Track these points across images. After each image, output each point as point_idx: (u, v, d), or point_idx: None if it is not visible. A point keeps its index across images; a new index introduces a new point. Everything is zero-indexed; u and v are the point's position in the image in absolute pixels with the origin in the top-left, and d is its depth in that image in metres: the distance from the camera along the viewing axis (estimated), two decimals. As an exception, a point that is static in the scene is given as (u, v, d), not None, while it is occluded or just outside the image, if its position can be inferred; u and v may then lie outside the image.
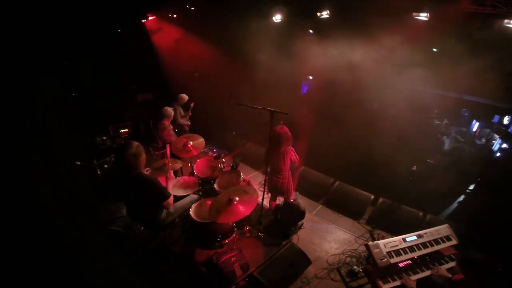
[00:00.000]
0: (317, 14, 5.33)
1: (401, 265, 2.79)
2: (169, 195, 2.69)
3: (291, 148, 3.67)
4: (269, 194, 4.74)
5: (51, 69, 3.99)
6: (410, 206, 4.22)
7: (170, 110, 4.61)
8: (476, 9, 3.68)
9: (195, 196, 3.43)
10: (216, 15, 6.76)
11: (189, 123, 5.61)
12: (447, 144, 5.88)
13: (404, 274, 2.70)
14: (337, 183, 4.84)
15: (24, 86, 2.71)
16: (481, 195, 4.19)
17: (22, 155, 1.55)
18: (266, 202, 3.98)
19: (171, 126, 4.68)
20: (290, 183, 3.86)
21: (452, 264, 2.84)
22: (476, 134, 6.38)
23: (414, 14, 4.33)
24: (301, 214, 3.74)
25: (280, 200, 4.05)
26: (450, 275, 2.50)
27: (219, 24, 6.79)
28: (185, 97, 5.49)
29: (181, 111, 5.54)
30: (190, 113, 5.64)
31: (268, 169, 3.75)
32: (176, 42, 7.67)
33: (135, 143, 2.55)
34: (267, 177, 3.71)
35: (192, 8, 6.83)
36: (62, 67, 5.73)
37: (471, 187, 4.64)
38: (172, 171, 3.23)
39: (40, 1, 3.57)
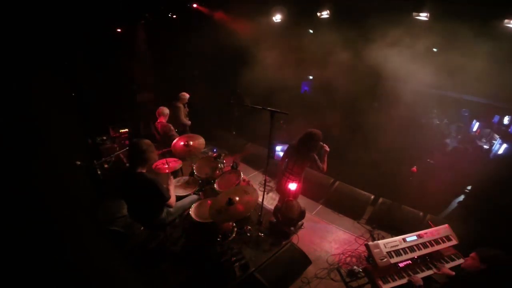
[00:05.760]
0: (317, 14, 5.34)
1: (401, 265, 2.79)
2: (169, 196, 2.72)
3: (314, 156, 3.39)
4: (269, 194, 4.74)
5: (51, 69, 3.99)
6: (410, 206, 4.22)
7: (166, 109, 4.82)
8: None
9: (195, 196, 3.43)
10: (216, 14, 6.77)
11: (190, 122, 5.64)
12: (450, 145, 5.87)
13: (411, 273, 2.71)
14: (337, 183, 4.84)
15: (24, 86, 2.71)
16: (481, 195, 4.18)
17: (22, 155, 1.55)
18: (266, 202, 3.97)
19: (170, 124, 4.76)
20: (297, 191, 3.83)
21: (452, 264, 2.84)
22: (477, 134, 6.39)
23: (414, 14, 4.34)
24: (301, 214, 3.74)
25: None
26: (453, 273, 2.52)
27: (219, 23, 6.80)
28: (187, 95, 5.54)
29: (185, 110, 5.58)
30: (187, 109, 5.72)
31: (282, 166, 3.70)
32: (176, 41, 7.67)
33: (146, 141, 2.60)
34: (278, 176, 3.68)
35: (195, 6, 6.82)
36: (62, 67, 5.72)
37: (470, 187, 4.64)
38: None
39: (42, 1, 3.57)
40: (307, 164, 3.50)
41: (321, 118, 6.12)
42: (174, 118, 5.40)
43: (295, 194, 3.80)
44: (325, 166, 3.40)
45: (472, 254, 2.22)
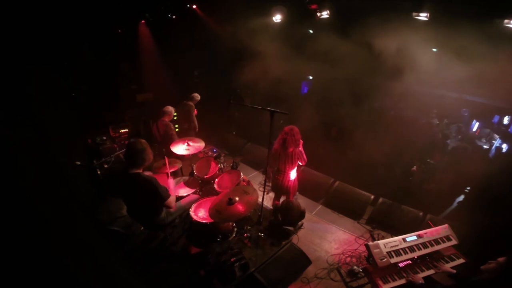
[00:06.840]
0: (317, 14, 5.34)
1: (401, 265, 2.79)
2: (168, 196, 2.68)
3: (301, 150, 3.61)
4: (269, 194, 4.73)
5: (51, 68, 3.99)
6: (410, 206, 4.22)
7: (172, 108, 4.81)
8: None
9: (195, 196, 3.43)
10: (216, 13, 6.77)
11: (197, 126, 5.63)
12: (450, 145, 5.87)
13: (410, 272, 2.71)
14: (337, 183, 4.84)
15: (24, 86, 2.71)
16: (480, 195, 4.18)
17: (22, 155, 1.55)
18: (266, 202, 3.97)
19: (171, 124, 4.77)
20: (296, 183, 3.86)
21: (452, 264, 2.84)
22: (476, 134, 6.39)
23: (414, 14, 4.33)
24: (301, 214, 3.74)
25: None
26: (454, 271, 2.52)
27: (219, 23, 6.80)
28: (198, 96, 5.61)
29: (194, 109, 5.60)
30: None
31: (274, 168, 3.77)
32: (176, 41, 7.67)
33: (142, 140, 2.60)
34: (272, 176, 3.73)
35: (194, 7, 6.82)
36: (62, 67, 5.72)
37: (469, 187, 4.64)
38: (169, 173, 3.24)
39: (42, 1, 3.57)
40: (297, 160, 3.61)
41: (321, 118, 6.14)
42: (185, 116, 5.42)
43: (293, 187, 3.81)
44: (305, 157, 3.64)
45: (500, 259, 2.12)
